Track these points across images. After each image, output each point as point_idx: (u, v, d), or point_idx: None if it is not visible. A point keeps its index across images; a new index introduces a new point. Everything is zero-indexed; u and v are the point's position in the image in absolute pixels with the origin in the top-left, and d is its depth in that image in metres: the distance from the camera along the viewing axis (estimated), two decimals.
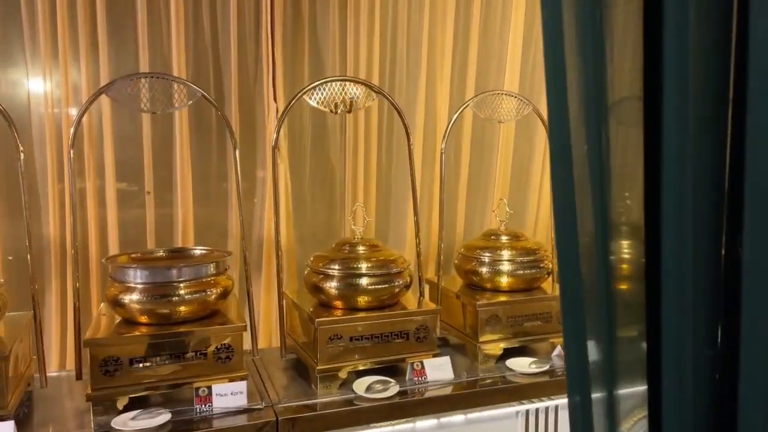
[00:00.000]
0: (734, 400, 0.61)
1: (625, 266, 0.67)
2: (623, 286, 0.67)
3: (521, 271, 2.04)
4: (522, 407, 1.82)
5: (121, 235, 2.32)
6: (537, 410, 1.82)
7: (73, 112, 2.20)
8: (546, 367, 1.89)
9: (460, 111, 2.10)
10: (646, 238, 0.61)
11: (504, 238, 2.11)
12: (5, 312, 1.60)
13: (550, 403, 1.83)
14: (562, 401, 1.84)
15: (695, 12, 0.51)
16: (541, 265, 2.07)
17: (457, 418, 1.77)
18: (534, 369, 1.89)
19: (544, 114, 2.26)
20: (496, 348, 1.96)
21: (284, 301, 1.95)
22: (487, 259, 2.05)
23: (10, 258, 2.24)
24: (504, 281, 2.03)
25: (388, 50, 2.67)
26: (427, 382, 1.79)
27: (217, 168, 2.48)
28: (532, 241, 2.15)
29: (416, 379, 1.78)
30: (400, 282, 1.83)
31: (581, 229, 0.61)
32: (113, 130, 2.27)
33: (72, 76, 2.21)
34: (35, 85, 2.19)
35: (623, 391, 0.68)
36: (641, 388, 0.68)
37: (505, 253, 2.04)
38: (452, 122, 2.12)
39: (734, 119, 0.56)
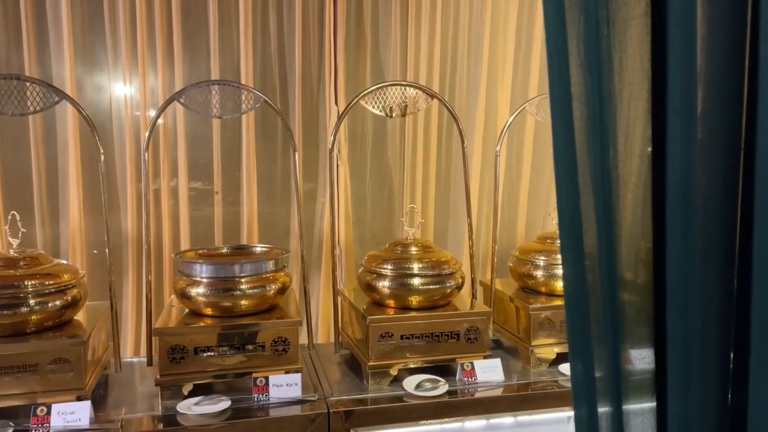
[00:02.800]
0: (743, 419, 0.61)
1: (631, 280, 0.68)
2: (629, 300, 0.68)
3: None
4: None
5: (192, 231, 2.47)
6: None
7: (151, 115, 2.36)
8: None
9: (516, 113, 2.11)
10: (654, 252, 0.63)
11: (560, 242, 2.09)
12: (86, 301, 1.74)
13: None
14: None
15: (704, 27, 0.53)
16: None
17: (507, 420, 1.78)
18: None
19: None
20: (549, 352, 1.95)
21: (340, 298, 2.02)
22: (542, 263, 2.05)
23: (95, 252, 2.43)
24: (559, 285, 2.02)
25: (449, 54, 2.70)
26: (477, 383, 1.81)
27: (281, 169, 2.59)
28: None
29: (466, 379, 1.81)
30: (452, 283, 1.86)
31: (587, 241, 0.63)
32: (186, 133, 2.42)
33: (150, 82, 2.37)
34: (116, 90, 2.36)
35: (631, 407, 0.69)
36: (649, 404, 0.69)
37: (561, 257, 2.03)
38: (508, 124, 2.12)
39: (745, 133, 0.56)
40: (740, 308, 0.62)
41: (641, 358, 0.70)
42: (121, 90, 2.35)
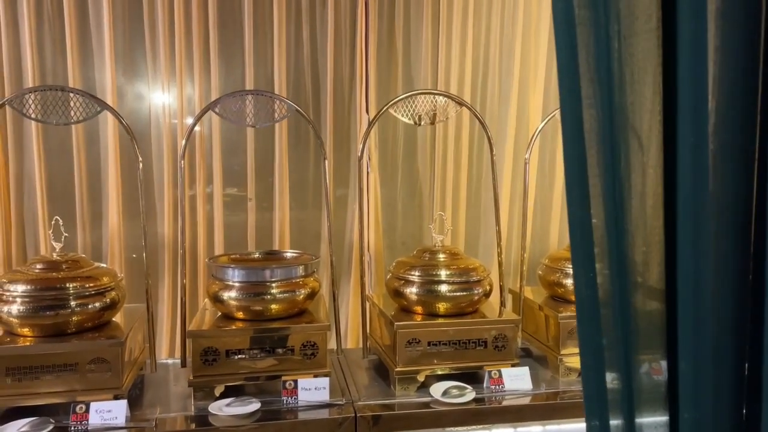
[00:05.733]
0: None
1: (642, 291, 0.68)
2: (641, 310, 0.69)
3: None
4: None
5: (226, 237, 2.53)
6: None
7: (188, 123, 2.44)
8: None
9: (546, 121, 2.11)
10: (666, 263, 0.63)
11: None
12: (123, 303, 1.80)
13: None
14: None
15: (718, 39, 0.53)
16: None
17: (535, 428, 1.78)
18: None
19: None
20: (579, 361, 1.93)
21: (368, 304, 2.04)
22: (571, 271, 2.03)
23: (134, 256, 2.51)
24: None
25: (480, 62, 2.71)
26: (505, 391, 1.81)
27: (313, 176, 2.64)
28: None
29: (493, 387, 1.81)
30: (480, 290, 1.87)
31: (598, 252, 0.63)
32: (221, 141, 2.48)
33: (186, 91, 2.44)
34: (155, 99, 2.44)
35: (644, 420, 0.69)
36: (662, 417, 0.69)
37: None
38: (538, 131, 2.12)
39: (759, 144, 0.57)
40: (754, 319, 0.62)
41: (653, 370, 0.71)
42: (159, 98, 2.43)
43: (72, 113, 1.72)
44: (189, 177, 2.47)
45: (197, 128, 2.44)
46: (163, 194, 2.46)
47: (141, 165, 1.75)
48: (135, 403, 1.71)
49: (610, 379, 0.71)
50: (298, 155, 2.61)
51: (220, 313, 1.82)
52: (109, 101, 2.32)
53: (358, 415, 1.67)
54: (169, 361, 2.08)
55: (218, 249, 2.49)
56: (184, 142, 1.78)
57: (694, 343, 0.63)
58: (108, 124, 2.37)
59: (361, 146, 1.87)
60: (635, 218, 0.62)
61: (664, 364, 0.70)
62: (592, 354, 0.69)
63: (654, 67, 0.57)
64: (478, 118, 2.03)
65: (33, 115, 1.69)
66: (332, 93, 2.57)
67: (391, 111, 1.93)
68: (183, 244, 1.84)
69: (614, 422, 0.71)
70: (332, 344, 2.02)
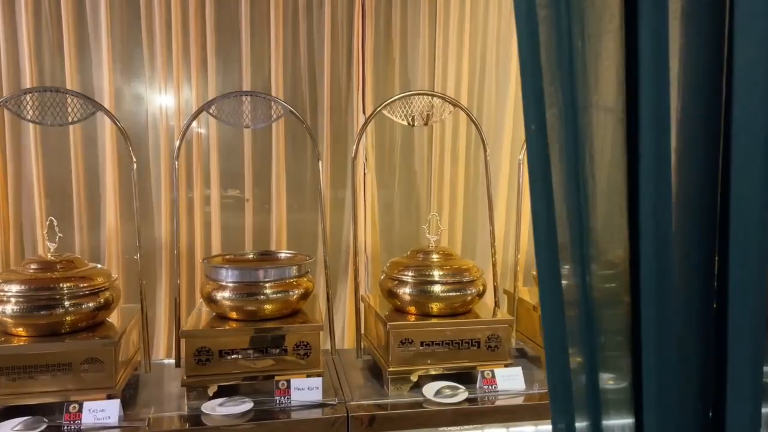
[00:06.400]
0: None
1: (607, 289, 0.68)
2: (606, 311, 0.69)
3: None
4: None
5: (223, 238, 2.55)
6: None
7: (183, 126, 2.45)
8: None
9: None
10: (630, 262, 0.63)
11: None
12: (118, 303, 1.81)
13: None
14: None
15: (684, 38, 0.53)
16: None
17: (528, 428, 1.78)
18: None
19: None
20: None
21: (363, 305, 2.05)
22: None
23: (135, 257, 2.52)
24: None
25: (478, 64, 2.72)
26: (498, 391, 1.81)
27: (310, 178, 2.65)
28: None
29: (486, 387, 1.81)
30: (473, 291, 1.87)
31: (562, 250, 0.63)
32: (218, 142, 2.49)
33: (184, 93, 2.46)
34: (153, 101, 2.46)
35: (610, 422, 0.69)
36: (629, 420, 0.69)
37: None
38: None
39: (723, 142, 0.57)
40: (719, 319, 0.62)
41: (618, 372, 0.71)
42: (156, 101, 2.45)
43: (67, 114, 1.73)
44: (186, 179, 2.48)
45: (198, 130, 2.46)
46: (160, 196, 2.47)
47: (135, 166, 1.76)
48: (129, 402, 1.72)
49: (576, 380, 0.71)
50: (295, 157, 2.62)
51: (214, 314, 1.83)
52: (107, 104, 2.34)
53: (350, 414, 1.67)
54: (165, 361, 2.08)
55: (216, 250, 2.50)
56: (178, 142, 1.79)
57: (658, 344, 0.64)
58: (105, 125, 2.39)
59: (354, 147, 1.88)
60: (600, 216, 0.62)
61: (629, 365, 0.70)
62: (558, 355, 0.69)
63: (617, 66, 0.58)
64: (471, 119, 2.03)
65: (28, 117, 1.71)
66: (329, 95, 2.58)
67: (385, 112, 1.94)
68: (177, 244, 1.84)
69: (580, 424, 0.71)
70: (328, 345, 2.03)
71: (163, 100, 2.44)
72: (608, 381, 0.72)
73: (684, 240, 0.60)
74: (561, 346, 0.69)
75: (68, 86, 2.30)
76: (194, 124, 2.45)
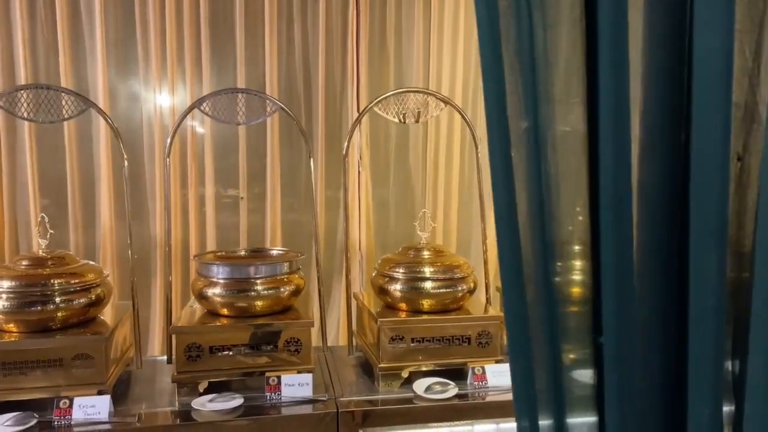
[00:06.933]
0: None
1: (570, 291, 0.68)
2: (568, 307, 0.69)
3: None
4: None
5: (218, 236, 2.55)
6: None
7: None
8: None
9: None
10: (592, 258, 0.63)
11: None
12: (110, 300, 1.82)
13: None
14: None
15: (647, 28, 0.54)
16: None
17: None
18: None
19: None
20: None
21: (355, 301, 2.05)
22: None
23: (136, 257, 2.52)
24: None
25: (473, 61, 2.72)
26: (488, 387, 1.81)
27: (305, 176, 2.65)
28: None
29: (477, 383, 1.81)
30: (464, 287, 1.87)
31: (525, 252, 0.63)
32: (213, 140, 2.50)
33: (179, 91, 2.46)
34: (148, 99, 2.46)
35: (574, 420, 0.69)
36: (592, 418, 0.69)
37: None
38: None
39: (686, 131, 0.57)
40: (680, 313, 0.62)
41: (582, 369, 0.71)
42: (151, 99, 2.45)
43: (58, 112, 1.74)
44: (181, 177, 2.49)
45: (194, 128, 2.46)
46: (155, 195, 2.48)
47: (126, 163, 1.77)
48: (120, 398, 1.72)
49: (540, 379, 0.70)
50: (291, 156, 2.63)
51: (205, 310, 1.84)
52: (101, 102, 2.35)
53: (340, 410, 1.67)
54: (158, 357, 2.09)
55: (210, 249, 2.51)
56: (169, 140, 1.80)
57: (618, 342, 0.64)
58: (100, 124, 2.39)
59: (345, 144, 1.88)
60: (561, 207, 0.62)
61: (592, 363, 0.70)
62: (521, 353, 0.69)
63: (579, 56, 0.58)
64: (463, 116, 2.04)
65: (22, 114, 1.71)
66: (324, 93, 2.59)
67: (376, 109, 1.94)
68: (168, 241, 1.85)
69: (544, 422, 0.71)
70: (332, 342, 2.03)
71: (157, 98, 2.45)
72: (572, 379, 0.72)
73: (646, 231, 0.60)
74: (524, 344, 0.69)
75: (63, 85, 2.31)
76: (192, 122, 2.46)
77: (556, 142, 0.61)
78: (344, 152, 1.90)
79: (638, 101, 0.57)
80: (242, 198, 2.55)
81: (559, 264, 0.67)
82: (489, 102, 0.58)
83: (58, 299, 1.65)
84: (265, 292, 1.78)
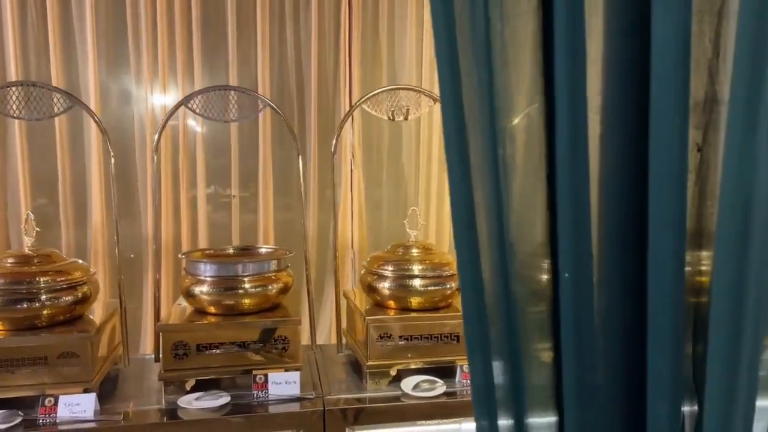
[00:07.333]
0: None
1: (529, 287, 0.67)
2: (528, 305, 0.67)
3: None
4: None
5: (210, 235, 2.55)
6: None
7: (172, 122, 2.46)
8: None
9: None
10: (551, 254, 0.62)
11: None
12: (97, 297, 1.82)
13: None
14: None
15: (609, 20, 0.53)
16: None
17: (506, 422, 1.76)
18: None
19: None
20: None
21: (344, 300, 2.04)
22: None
23: (132, 255, 2.53)
24: None
25: None
26: None
27: (298, 175, 2.64)
28: None
29: (465, 381, 1.80)
30: (453, 285, 1.86)
31: (483, 239, 0.62)
32: (205, 139, 2.50)
33: (170, 91, 2.46)
34: (140, 98, 2.46)
35: (534, 420, 0.68)
36: (553, 418, 0.68)
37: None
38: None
39: (642, 122, 0.56)
40: (641, 309, 0.61)
41: (541, 369, 0.69)
42: (143, 98, 2.45)
43: (48, 109, 1.73)
44: (173, 176, 2.49)
45: (181, 127, 2.46)
46: (147, 193, 2.48)
47: (113, 160, 1.77)
48: (107, 396, 1.72)
49: (499, 378, 0.69)
50: (283, 154, 2.62)
51: (192, 308, 1.83)
52: (92, 101, 2.35)
53: (327, 408, 1.67)
54: (146, 356, 2.08)
55: (202, 247, 2.50)
56: (156, 135, 1.79)
57: (577, 340, 0.62)
58: (91, 122, 2.39)
59: (334, 142, 1.88)
60: (521, 199, 0.61)
61: (551, 362, 0.69)
62: (479, 351, 0.68)
63: (536, 48, 0.57)
64: None
65: (9, 112, 1.71)
66: (317, 93, 2.59)
67: (365, 107, 1.94)
68: (156, 238, 1.85)
69: (503, 422, 0.70)
70: (324, 341, 2.02)
71: (149, 97, 2.45)
72: (531, 378, 0.71)
73: (606, 223, 0.59)
74: (483, 344, 0.67)
75: (54, 83, 2.30)
76: (189, 121, 2.45)
77: (517, 133, 0.60)
78: (333, 150, 1.89)
79: (598, 90, 0.56)
80: (234, 197, 2.55)
81: (517, 259, 0.65)
82: (445, 92, 0.57)
83: (44, 297, 1.64)
84: (253, 290, 1.77)
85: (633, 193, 0.57)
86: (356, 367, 1.93)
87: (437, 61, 0.57)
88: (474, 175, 0.60)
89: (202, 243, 2.52)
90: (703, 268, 0.64)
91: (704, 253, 0.64)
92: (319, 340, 2.40)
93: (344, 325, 2.09)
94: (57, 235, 2.38)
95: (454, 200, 0.61)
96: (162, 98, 2.45)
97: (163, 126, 1.84)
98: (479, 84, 0.56)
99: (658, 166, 0.54)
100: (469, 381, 1.78)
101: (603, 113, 0.56)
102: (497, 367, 0.69)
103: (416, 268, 1.85)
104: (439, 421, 1.71)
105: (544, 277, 0.69)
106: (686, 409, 0.67)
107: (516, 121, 0.61)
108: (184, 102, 1.82)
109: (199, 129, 2.48)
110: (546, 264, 0.67)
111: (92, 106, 2.34)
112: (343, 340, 1.99)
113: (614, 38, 0.56)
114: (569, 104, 0.55)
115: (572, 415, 0.66)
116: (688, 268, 0.61)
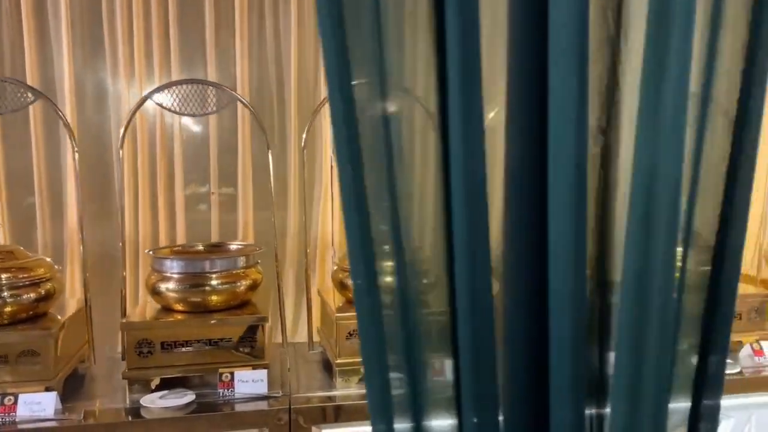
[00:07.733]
0: None
1: (425, 287, 0.64)
2: (424, 309, 0.64)
3: None
4: None
5: (188, 232, 2.51)
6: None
7: (150, 119, 2.43)
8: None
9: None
10: (446, 255, 0.59)
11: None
12: (61, 294, 1.79)
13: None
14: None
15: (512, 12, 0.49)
16: None
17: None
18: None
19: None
20: None
21: (316, 297, 2.01)
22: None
23: (116, 255, 2.49)
24: None
25: None
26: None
27: (277, 171, 2.61)
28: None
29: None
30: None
31: (378, 247, 0.59)
32: (182, 136, 2.47)
33: (146, 87, 2.43)
34: (115, 95, 2.43)
35: (432, 423, 0.65)
36: (452, 421, 0.65)
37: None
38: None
39: (542, 115, 0.52)
40: (539, 312, 0.57)
41: (440, 372, 0.66)
42: (119, 95, 2.42)
43: (9, 105, 1.71)
44: (150, 173, 2.46)
45: (158, 123, 2.43)
46: (123, 190, 2.44)
47: (77, 156, 1.74)
48: (70, 395, 1.69)
49: (395, 381, 0.66)
50: (261, 149, 2.58)
51: (159, 306, 1.80)
52: (67, 98, 2.32)
53: (292, 407, 1.63)
54: (115, 355, 2.06)
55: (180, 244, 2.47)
56: (122, 130, 1.76)
57: (474, 340, 0.59)
58: (67, 118, 2.36)
59: (304, 136, 1.85)
60: (414, 186, 0.58)
61: (450, 365, 0.66)
62: (375, 354, 0.64)
63: (428, 47, 0.53)
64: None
65: None
66: (296, 88, 2.55)
67: None
68: (122, 235, 1.82)
69: (400, 426, 0.67)
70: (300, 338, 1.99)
71: (125, 93, 2.42)
72: (429, 381, 0.67)
73: (510, 217, 0.56)
74: (378, 346, 0.64)
75: (28, 80, 2.28)
76: (167, 118, 2.43)
77: (412, 126, 0.57)
78: (303, 144, 1.86)
79: (503, 74, 0.53)
80: (213, 194, 2.52)
81: (412, 258, 0.62)
82: (334, 98, 0.53)
83: (5, 294, 1.62)
84: (221, 286, 1.74)
85: (536, 181, 0.54)
86: (328, 366, 1.90)
87: (326, 63, 0.53)
88: (367, 174, 0.56)
89: (180, 241, 2.49)
90: (609, 259, 0.61)
91: (608, 242, 0.61)
92: (299, 339, 2.36)
93: (319, 323, 2.06)
94: (32, 232, 2.35)
95: (346, 205, 0.57)
96: (139, 94, 2.42)
97: (129, 121, 1.82)
98: (373, 84, 0.53)
99: (557, 153, 0.51)
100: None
101: (507, 99, 0.53)
102: (394, 369, 0.65)
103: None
104: None
105: (441, 277, 0.65)
106: (593, 411, 0.64)
107: (410, 113, 0.58)
108: (150, 96, 1.79)
109: (177, 126, 2.45)
110: (443, 263, 0.64)
111: (67, 102, 2.31)
112: (317, 338, 1.96)
113: (516, 17, 0.52)
114: (463, 93, 0.51)
115: (471, 418, 0.62)
116: (591, 260, 0.57)
